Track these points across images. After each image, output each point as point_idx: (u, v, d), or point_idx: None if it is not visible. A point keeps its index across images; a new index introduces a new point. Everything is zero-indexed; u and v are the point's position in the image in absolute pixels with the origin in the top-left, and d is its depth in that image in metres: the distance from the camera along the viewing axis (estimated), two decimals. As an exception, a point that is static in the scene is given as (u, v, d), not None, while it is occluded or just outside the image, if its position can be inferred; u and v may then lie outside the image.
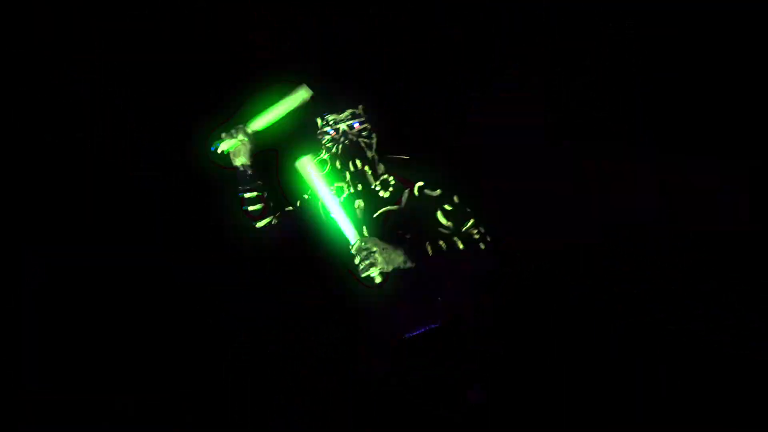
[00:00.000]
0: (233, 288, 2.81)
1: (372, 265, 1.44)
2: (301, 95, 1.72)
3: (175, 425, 2.37)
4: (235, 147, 1.69)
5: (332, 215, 1.55)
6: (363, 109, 1.68)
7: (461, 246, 1.49)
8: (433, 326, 1.64)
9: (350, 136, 1.64)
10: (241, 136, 1.68)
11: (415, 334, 1.64)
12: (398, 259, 1.45)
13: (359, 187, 1.68)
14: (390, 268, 1.45)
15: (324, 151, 1.68)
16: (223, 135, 1.69)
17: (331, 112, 1.67)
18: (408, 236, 1.62)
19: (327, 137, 1.67)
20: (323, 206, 1.62)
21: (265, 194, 1.76)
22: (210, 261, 2.80)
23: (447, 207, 1.58)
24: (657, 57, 2.80)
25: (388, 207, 1.63)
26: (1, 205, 2.62)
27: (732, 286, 2.66)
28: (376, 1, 2.86)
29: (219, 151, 1.69)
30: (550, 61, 2.92)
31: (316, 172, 1.56)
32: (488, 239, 1.52)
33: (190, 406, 2.46)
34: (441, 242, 1.49)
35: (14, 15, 2.61)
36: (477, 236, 1.51)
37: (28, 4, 2.62)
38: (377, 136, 1.69)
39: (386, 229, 1.63)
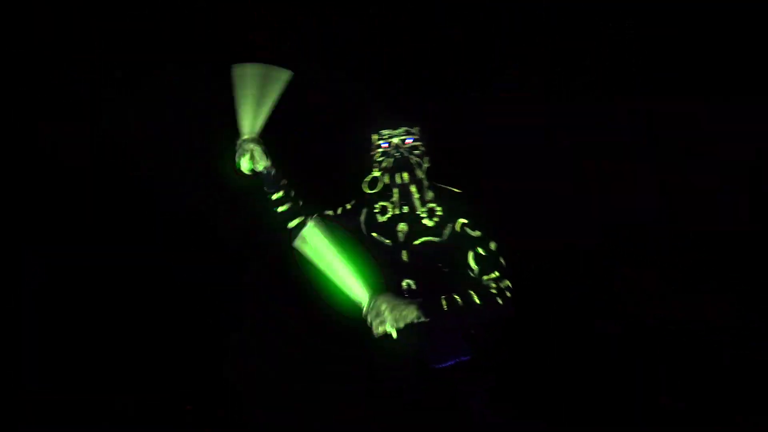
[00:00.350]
0: (233, 288, 2.81)
1: (382, 323, 1.44)
2: (282, 78, 1.70)
3: (175, 425, 2.37)
4: (251, 159, 1.66)
5: (340, 280, 1.52)
6: (419, 131, 1.67)
7: (478, 301, 1.48)
8: (463, 359, 1.63)
9: (401, 150, 1.63)
10: (248, 146, 1.66)
11: (445, 365, 1.62)
12: (411, 315, 1.44)
13: (405, 209, 1.65)
14: (401, 325, 1.44)
15: (375, 168, 1.65)
16: (237, 155, 1.67)
17: (386, 128, 1.66)
18: (446, 270, 1.61)
19: (379, 151, 1.65)
20: (331, 273, 1.56)
21: (293, 193, 1.73)
22: (210, 261, 2.80)
23: (480, 251, 1.56)
24: (657, 57, 2.80)
25: (431, 237, 1.61)
26: (1, 205, 2.62)
27: (732, 286, 2.66)
28: (376, 1, 2.86)
29: (245, 170, 1.67)
30: (550, 61, 2.92)
31: (321, 240, 1.53)
32: (508, 294, 1.50)
33: (190, 406, 2.46)
34: (457, 297, 1.47)
35: (14, 15, 2.61)
36: (494, 290, 1.50)
37: (28, 4, 2.62)
38: (429, 161, 1.66)
39: (425, 258, 1.61)
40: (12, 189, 2.65)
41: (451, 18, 2.89)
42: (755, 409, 2.15)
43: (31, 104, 2.70)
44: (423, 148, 1.67)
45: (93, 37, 2.71)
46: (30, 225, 2.65)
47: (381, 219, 1.67)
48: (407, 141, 1.66)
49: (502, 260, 1.56)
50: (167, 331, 2.70)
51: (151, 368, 2.55)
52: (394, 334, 1.47)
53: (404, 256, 1.62)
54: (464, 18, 2.89)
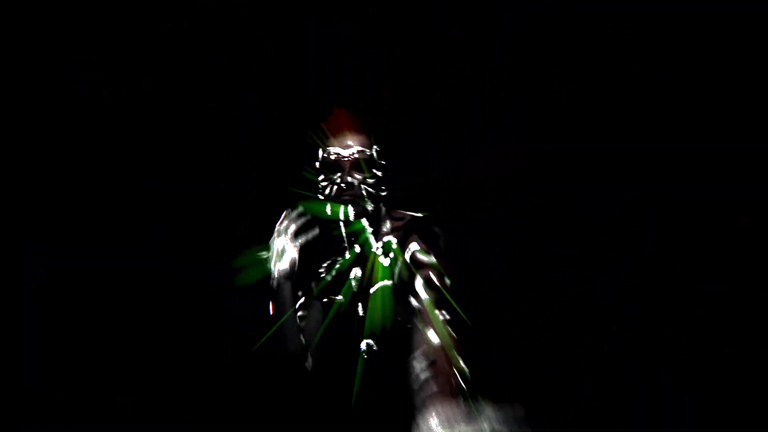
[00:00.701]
0: (233, 288, 2.81)
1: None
2: None
3: (175, 425, 2.37)
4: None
5: None
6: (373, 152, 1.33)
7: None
8: None
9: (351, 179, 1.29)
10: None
11: None
12: None
13: (356, 248, 1.32)
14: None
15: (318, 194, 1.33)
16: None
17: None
18: (400, 318, 1.27)
19: (321, 178, 1.33)
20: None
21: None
22: (210, 261, 2.80)
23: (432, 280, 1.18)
24: (657, 57, 2.80)
25: (385, 282, 1.27)
26: (1, 205, 2.62)
27: (732, 286, 2.66)
28: (376, 1, 2.86)
29: None
30: (550, 61, 2.92)
31: None
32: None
33: (190, 406, 2.46)
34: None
35: (14, 15, 2.61)
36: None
37: (28, 4, 2.62)
38: (388, 186, 1.36)
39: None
40: (12, 189, 2.65)
41: (451, 18, 2.89)
42: (755, 409, 2.14)
43: (32, 104, 2.70)
44: (380, 174, 1.33)
45: (93, 37, 2.71)
46: (30, 225, 2.65)
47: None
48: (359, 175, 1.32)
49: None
50: (167, 331, 2.69)
51: (151, 368, 2.55)
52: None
53: (360, 309, 1.31)
54: (464, 18, 2.89)
